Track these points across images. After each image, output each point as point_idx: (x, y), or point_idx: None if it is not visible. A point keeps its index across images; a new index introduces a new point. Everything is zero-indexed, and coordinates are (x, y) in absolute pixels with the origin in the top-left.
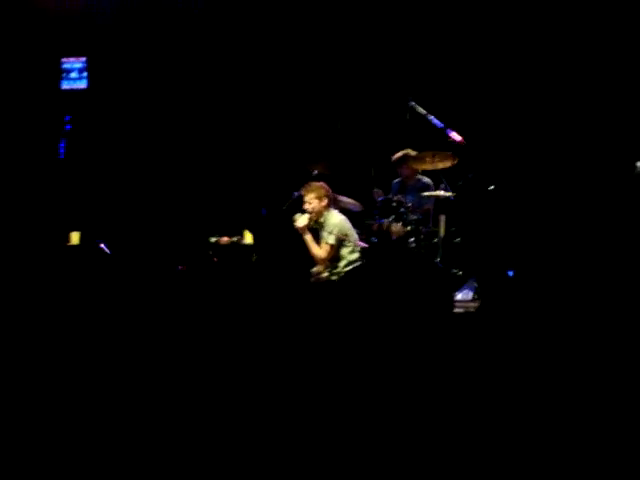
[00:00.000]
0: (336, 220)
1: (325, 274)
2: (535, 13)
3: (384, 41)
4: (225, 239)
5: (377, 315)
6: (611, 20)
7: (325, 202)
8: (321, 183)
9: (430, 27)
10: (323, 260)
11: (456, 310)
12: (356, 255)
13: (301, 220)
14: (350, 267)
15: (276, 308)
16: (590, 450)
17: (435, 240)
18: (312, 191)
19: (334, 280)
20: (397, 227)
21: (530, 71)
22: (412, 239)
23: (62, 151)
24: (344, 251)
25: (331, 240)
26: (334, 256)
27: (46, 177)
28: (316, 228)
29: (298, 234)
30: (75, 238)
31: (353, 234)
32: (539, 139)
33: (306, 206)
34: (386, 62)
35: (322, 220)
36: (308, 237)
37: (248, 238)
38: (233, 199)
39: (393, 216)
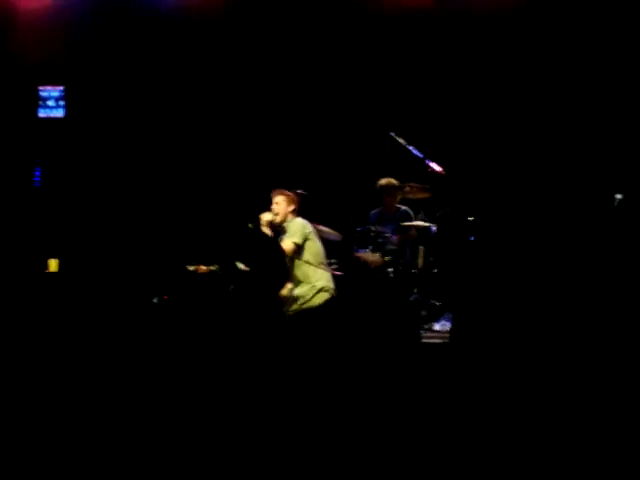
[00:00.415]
0: (298, 224)
1: (294, 306)
2: (512, 45)
3: (365, 72)
4: (203, 268)
5: (344, 347)
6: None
7: (292, 207)
8: (292, 192)
9: (411, 60)
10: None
11: (433, 340)
12: (323, 283)
13: (266, 215)
14: (319, 294)
15: (251, 341)
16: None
17: (414, 271)
18: (281, 194)
19: (306, 310)
20: (375, 257)
21: (508, 102)
22: (391, 269)
23: (37, 179)
24: (311, 276)
25: (296, 239)
26: (302, 277)
27: (22, 205)
28: (278, 231)
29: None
30: (53, 265)
31: (318, 241)
32: (518, 170)
33: (273, 206)
34: (367, 93)
35: (285, 225)
36: (268, 232)
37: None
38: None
39: (371, 246)
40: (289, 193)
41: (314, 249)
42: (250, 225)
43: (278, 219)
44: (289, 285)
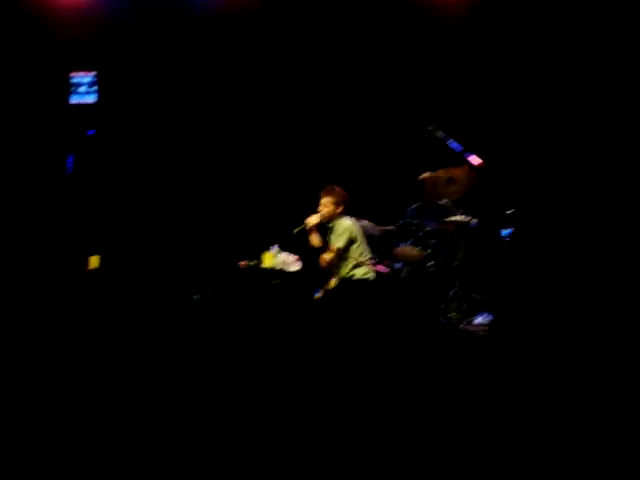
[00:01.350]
0: (346, 224)
1: (332, 282)
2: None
3: (403, 65)
4: (243, 263)
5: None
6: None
7: (340, 209)
8: (342, 191)
9: (448, 53)
10: (328, 262)
11: (476, 333)
12: (366, 258)
13: (312, 219)
14: (357, 269)
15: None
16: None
17: (455, 264)
18: (331, 194)
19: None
20: (415, 251)
21: (544, 95)
22: (431, 262)
23: (70, 166)
24: (354, 253)
25: (339, 243)
26: (342, 257)
27: (55, 193)
28: (325, 229)
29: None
30: (95, 262)
31: (363, 240)
32: (553, 162)
33: (320, 207)
34: (406, 87)
35: (332, 225)
36: (314, 237)
37: (267, 262)
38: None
39: (412, 240)
40: (339, 192)
41: (360, 250)
42: (295, 231)
43: (323, 220)
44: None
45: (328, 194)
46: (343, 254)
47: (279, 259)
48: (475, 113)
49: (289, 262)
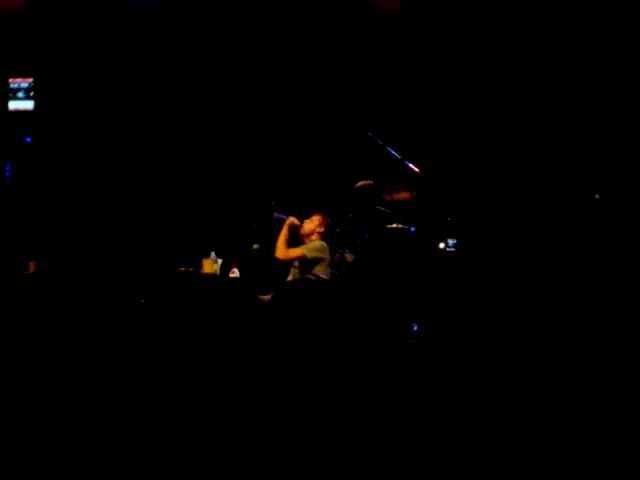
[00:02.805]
0: (319, 244)
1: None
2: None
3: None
4: (181, 269)
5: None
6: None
7: (322, 230)
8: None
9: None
10: (283, 255)
11: (412, 341)
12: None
13: (294, 219)
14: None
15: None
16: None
17: (392, 272)
18: (321, 216)
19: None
20: (353, 258)
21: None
22: (370, 269)
23: (8, 174)
24: (316, 270)
25: (305, 251)
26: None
27: None
28: (297, 241)
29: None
30: (32, 267)
31: (328, 265)
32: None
33: (306, 220)
34: (345, 93)
35: (307, 240)
36: (284, 232)
37: (207, 267)
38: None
39: (350, 248)
40: (326, 218)
41: (321, 270)
42: (254, 247)
43: (303, 231)
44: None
45: (320, 214)
46: (305, 268)
47: (219, 265)
48: (414, 120)
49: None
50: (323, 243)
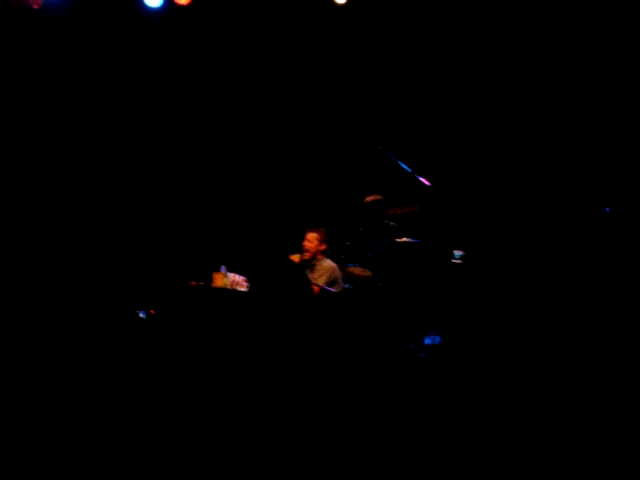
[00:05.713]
0: (327, 265)
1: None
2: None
3: (354, 85)
4: (193, 283)
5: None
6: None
7: (324, 246)
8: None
9: (400, 75)
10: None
11: (422, 355)
12: None
13: (296, 257)
14: None
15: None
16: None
17: (402, 286)
18: (317, 231)
19: None
20: (364, 272)
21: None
22: (380, 284)
23: None
24: None
25: (321, 281)
26: None
27: None
28: (307, 267)
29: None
30: None
31: (341, 286)
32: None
33: (305, 242)
34: (356, 109)
35: (314, 262)
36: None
37: (218, 281)
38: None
39: (360, 261)
40: (323, 230)
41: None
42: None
43: (307, 256)
44: None
45: (313, 230)
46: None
47: (229, 279)
48: (425, 134)
49: (238, 282)
50: (330, 263)
